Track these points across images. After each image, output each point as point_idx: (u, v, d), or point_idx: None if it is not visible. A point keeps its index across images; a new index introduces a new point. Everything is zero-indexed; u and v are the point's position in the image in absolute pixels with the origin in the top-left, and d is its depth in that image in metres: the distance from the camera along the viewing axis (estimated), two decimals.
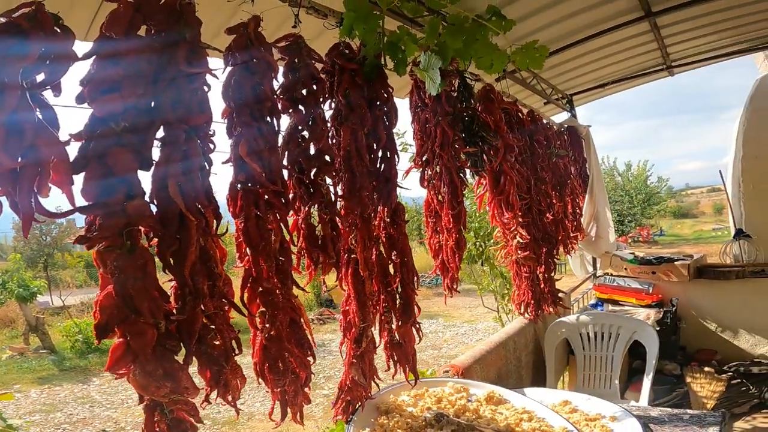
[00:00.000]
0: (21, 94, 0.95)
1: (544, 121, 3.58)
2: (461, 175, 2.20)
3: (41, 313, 10.93)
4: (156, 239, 1.05)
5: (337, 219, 1.54)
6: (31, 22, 0.99)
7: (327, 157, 1.58)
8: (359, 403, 1.92)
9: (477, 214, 5.10)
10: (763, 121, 4.64)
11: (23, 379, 8.41)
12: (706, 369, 3.75)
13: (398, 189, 1.86)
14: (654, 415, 2.06)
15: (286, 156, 1.50)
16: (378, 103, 1.85)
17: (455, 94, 2.38)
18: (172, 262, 1.05)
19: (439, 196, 2.14)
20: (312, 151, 1.57)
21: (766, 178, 4.52)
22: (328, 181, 1.56)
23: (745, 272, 4.26)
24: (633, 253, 4.82)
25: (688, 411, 2.10)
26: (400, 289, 1.93)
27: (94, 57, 1.07)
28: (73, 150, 1.01)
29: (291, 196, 1.50)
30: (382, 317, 1.93)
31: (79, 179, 0.99)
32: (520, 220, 2.81)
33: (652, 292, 4.35)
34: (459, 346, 9.18)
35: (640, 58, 4.08)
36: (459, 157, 2.24)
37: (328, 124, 1.72)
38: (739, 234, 4.61)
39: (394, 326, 1.96)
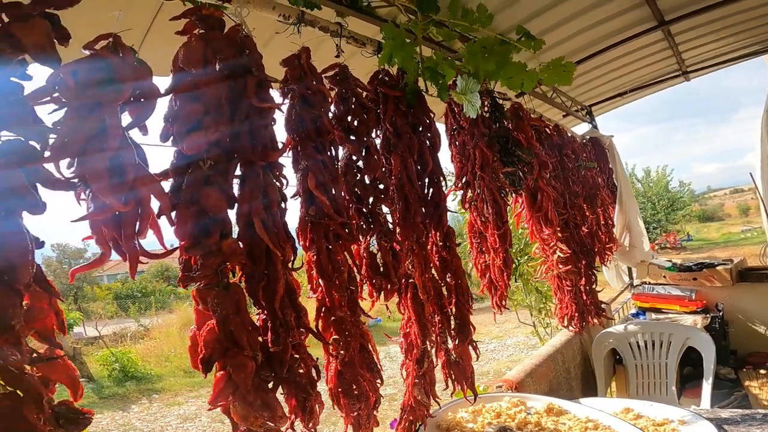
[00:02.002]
0: (123, 134, 0.97)
1: (569, 134, 3.58)
2: (502, 195, 2.22)
3: (76, 343, 11.18)
4: (244, 275, 1.10)
5: (396, 246, 1.57)
6: (116, 55, 1.00)
7: (381, 186, 1.63)
8: (420, 423, 1.91)
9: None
10: None
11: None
12: (762, 371, 3.57)
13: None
14: (725, 416, 1.97)
15: (343, 187, 1.55)
16: (421, 128, 1.90)
17: (488, 115, 2.43)
18: (261, 296, 1.09)
19: (482, 217, 2.16)
20: (367, 180, 1.62)
21: None
22: (384, 209, 1.60)
23: None
24: (670, 261, 4.69)
25: (760, 411, 2.00)
26: (455, 310, 1.93)
27: (172, 93, 1.10)
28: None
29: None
30: (438, 337, 1.93)
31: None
32: (560, 235, 2.79)
33: (695, 298, 4.21)
34: (490, 362, 8.99)
35: (656, 65, 4.09)
36: (499, 178, 2.26)
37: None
38: None
39: (450, 346, 1.96)
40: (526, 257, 4.93)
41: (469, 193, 2.26)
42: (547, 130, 3.07)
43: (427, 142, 1.92)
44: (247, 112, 1.18)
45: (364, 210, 1.55)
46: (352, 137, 1.62)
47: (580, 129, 4.66)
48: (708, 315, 4.01)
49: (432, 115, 1.97)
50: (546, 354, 2.87)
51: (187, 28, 1.20)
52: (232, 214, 1.12)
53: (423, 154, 1.85)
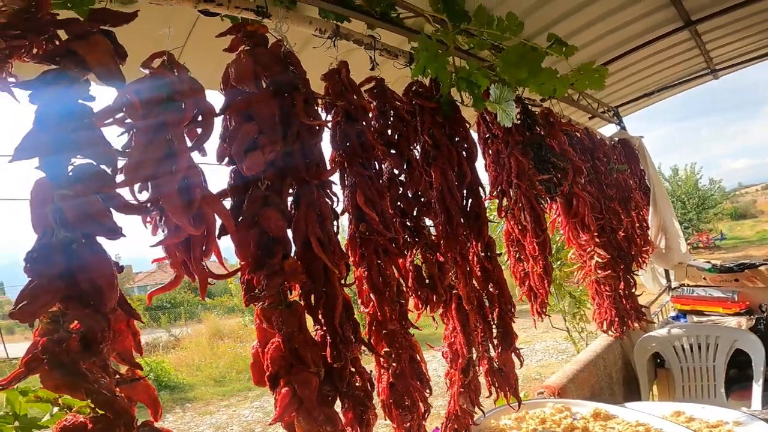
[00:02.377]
0: (190, 156, 0.97)
1: (598, 137, 3.53)
2: (539, 202, 2.20)
3: None
4: (303, 293, 1.12)
5: (440, 258, 1.58)
6: (172, 73, 0.98)
7: (424, 199, 1.64)
8: (464, 430, 1.90)
9: None
10: None
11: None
12: None
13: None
14: None
15: (387, 201, 1.57)
16: (458, 139, 1.91)
17: (519, 122, 2.42)
18: (320, 313, 1.11)
19: (519, 225, 2.14)
20: (410, 194, 1.63)
21: None
22: (428, 222, 1.61)
23: None
24: (709, 262, 4.54)
25: None
26: (497, 319, 1.93)
27: (227, 111, 1.11)
28: None
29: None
30: (481, 346, 1.93)
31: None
32: (597, 240, 2.75)
33: (738, 299, 4.05)
34: (519, 367, 8.81)
35: (683, 65, 4.00)
36: (535, 185, 2.25)
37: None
38: None
39: (493, 354, 1.95)
40: (559, 262, 4.85)
41: (505, 202, 2.25)
42: (578, 134, 3.03)
43: (464, 152, 1.93)
44: (298, 130, 1.20)
45: (408, 223, 1.56)
46: (393, 151, 1.65)
47: (607, 131, 4.58)
48: (753, 316, 3.85)
49: (468, 125, 1.98)
50: (587, 359, 2.82)
51: (234, 44, 1.21)
52: (288, 232, 1.15)
53: (461, 165, 1.86)
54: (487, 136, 2.36)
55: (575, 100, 3.80)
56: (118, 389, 0.86)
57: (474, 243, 1.81)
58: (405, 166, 1.65)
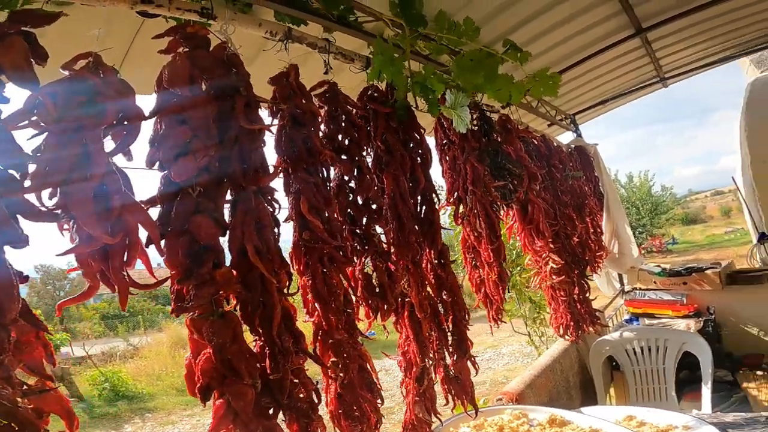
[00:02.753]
0: (107, 160, 0.92)
1: (555, 144, 3.62)
2: (495, 209, 2.22)
3: (64, 363, 10.93)
4: (239, 303, 1.06)
5: (391, 266, 1.55)
6: (97, 75, 0.94)
7: (375, 206, 1.61)
8: None
9: None
10: (761, 124, 4.65)
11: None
12: (759, 373, 3.58)
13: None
14: (728, 420, 1.97)
15: (336, 208, 1.53)
16: (412, 145, 1.89)
17: (476, 128, 2.44)
18: (257, 324, 1.05)
19: (474, 232, 2.15)
20: (360, 201, 1.60)
21: None
22: (378, 229, 1.58)
23: None
24: (659, 266, 4.73)
25: (763, 413, 2.00)
26: (452, 327, 1.91)
27: (157, 115, 1.05)
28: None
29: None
30: (436, 354, 1.91)
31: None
32: (552, 246, 2.79)
33: (687, 302, 4.23)
34: (486, 372, 8.93)
35: (635, 72, 4.17)
36: (490, 192, 2.26)
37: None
38: (763, 237, 4.52)
39: (449, 362, 1.94)
40: (518, 268, 4.93)
41: (461, 208, 2.25)
42: (535, 141, 3.09)
43: (419, 158, 1.91)
44: (237, 135, 1.15)
45: (357, 231, 1.52)
46: (344, 157, 1.61)
47: (565, 138, 4.72)
48: (701, 318, 4.02)
49: (423, 131, 1.97)
50: (545, 364, 2.85)
51: (171, 46, 1.16)
52: (224, 240, 1.09)
53: (415, 171, 1.84)
54: (444, 142, 2.36)
55: (534, 107, 3.89)
56: (26, 400, 0.79)
57: (427, 250, 1.79)
58: (355, 172, 1.61)
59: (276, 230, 1.18)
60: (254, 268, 1.05)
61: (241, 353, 0.96)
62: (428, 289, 1.84)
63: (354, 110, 1.72)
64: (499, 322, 2.24)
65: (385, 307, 1.51)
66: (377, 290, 1.51)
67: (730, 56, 4.38)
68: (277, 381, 1.03)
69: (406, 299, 1.65)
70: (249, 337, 1.08)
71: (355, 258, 1.48)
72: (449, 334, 1.92)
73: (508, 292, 5.22)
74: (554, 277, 2.81)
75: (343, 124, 1.65)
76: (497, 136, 2.64)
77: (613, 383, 3.44)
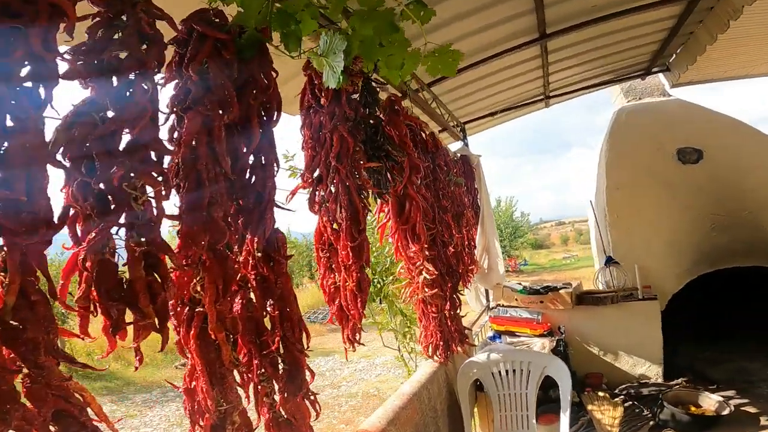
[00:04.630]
0: None
1: (443, 145, 3.26)
2: (363, 196, 1.65)
3: None
4: None
5: (164, 252, 0.85)
6: None
7: (152, 154, 0.90)
8: None
9: (374, 247, 4.59)
10: (620, 152, 5.00)
11: None
12: (601, 394, 3.63)
13: (280, 213, 1.23)
14: None
15: (61, 148, 0.79)
16: (255, 91, 1.24)
17: (357, 97, 1.88)
18: None
19: (335, 224, 1.55)
20: (123, 141, 0.88)
21: (627, 207, 4.81)
22: (150, 191, 0.88)
23: (617, 297, 4.37)
24: (521, 283, 4.72)
25: None
26: (282, 351, 1.27)
27: None
28: None
29: (70, 212, 0.79)
30: (259, 387, 1.26)
31: None
32: (427, 253, 2.34)
33: (542, 320, 4.23)
34: (359, 383, 8.50)
35: (527, 85, 4.12)
36: (360, 174, 1.69)
37: (166, 109, 1.07)
38: (609, 261, 4.78)
39: (278, 399, 1.29)
40: (391, 277, 4.50)
41: (321, 192, 1.64)
42: (423, 133, 2.64)
43: (262, 109, 1.26)
44: None
45: (99, 186, 0.80)
46: (109, 74, 0.88)
47: (453, 148, 4.48)
48: (553, 338, 4.03)
49: (274, 75, 1.32)
50: (411, 393, 2.36)
51: None
52: None
53: (250, 123, 1.18)
54: (311, 105, 1.74)
55: (430, 106, 3.51)
56: None
57: (250, 237, 1.13)
58: (123, 97, 0.89)
59: None
60: None
61: None
62: (252, 296, 1.19)
63: (147, 18, 1.01)
64: (355, 344, 1.66)
65: (139, 318, 0.80)
66: (123, 290, 0.80)
67: (606, 81, 4.58)
68: None
69: (198, 309, 0.96)
70: None
71: (80, 228, 0.76)
72: (281, 361, 1.28)
73: (380, 303, 4.76)
74: (427, 289, 2.35)
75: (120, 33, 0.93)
76: (381, 114, 2.12)
77: (477, 404, 3.15)
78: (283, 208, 1.19)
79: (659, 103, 5.32)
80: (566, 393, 2.56)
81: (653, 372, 4.15)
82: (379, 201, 2.15)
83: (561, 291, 4.45)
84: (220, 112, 1.09)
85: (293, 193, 1.75)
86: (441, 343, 2.59)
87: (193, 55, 1.12)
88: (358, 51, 1.78)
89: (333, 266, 1.59)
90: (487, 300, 5.06)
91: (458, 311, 2.86)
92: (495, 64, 3.25)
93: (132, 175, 0.84)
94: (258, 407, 1.31)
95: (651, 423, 3.33)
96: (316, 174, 1.66)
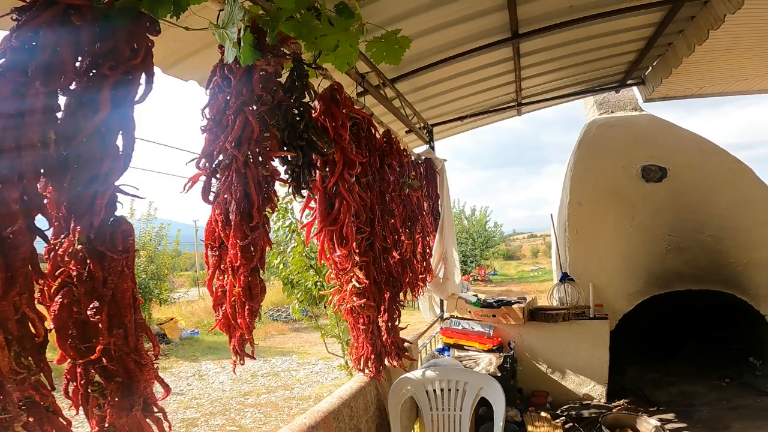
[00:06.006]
0: None
1: (401, 145, 3.04)
2: (267, 188, 1.41)
3: None
4: None
5: None
6: None
7: None
8: None
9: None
10: (587, 166, 4.89)
11: None
12: (543, 414, 3.49)
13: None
14: None
15: None
16: (113, 62, 1.00)
17: (285, 81, 1.65)
18: None
19: (223, 217, 1.31)
20: None
21: (587, 224, 4.71)
22: None
23: (569, 315, 4.26)
24: (476, 296, 4.56)
25: None
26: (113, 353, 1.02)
27: None
28: None
29: None
30: (89, 398, 1.02)
31: None
32: (357, 259, 2.12)
33: (493, 335, 4.07)
34: (313, 385, 8.21)
35: (499, 90, 3.96)
36: (267, 164, 1.46)
37: None
38: (564, 278, 4.67)
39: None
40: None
41: (216, 181, 1.40)
42: (372, 129, 2.42)
43: (121, 82, 1.02)
44: None
45: None
46: None
47: (420, 150, 4.28)
48: (502, 354, 3.87)
49: (148, 45, 1.09)
50: (327, 409, 2.13)
51: None
52: None
53: (99, 93, 0.95)
54: (219, 83, 1.50)
55: (395, 107, 3.31)
56: None
57: (73, 225, 0.88)
58: None
59: None
60: None
61: None
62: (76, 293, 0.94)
63: None
64: (242, 359, 1.41)
65: None
66: None
67: (580, 92, 4.45)
68: None
69: None
70: None
71: None
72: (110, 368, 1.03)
73: (324, 308, 4.51)
74: (355, 298, 2.13)
75: None
76: (317, 103, 1.90)
77: (418, 422, 2.95)
78: (124, 193, 0.94)
79: (630, 118, 5.22)
80: (499, 418, 2.37)
81: (597, 392, 4.05)
82: (306, 196, 1.92)
83: (514, 306, 4.31)
84: (43, 80, 0.85)
85: (193, 180, 1.51)
86: (372, 356, 2.37)
87: (27, 20, 0.88)
88: (284, 28, 1.56)
89: (222, 267, 1.35)
90: (442, 310, 4.88)
91: (397, 323, 2.65)
92: (465, 64, 3.07)
93: None
94: (88, 418, 1.08)
95: None
96: (216, 163, 1.42)
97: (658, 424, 3.24)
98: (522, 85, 3.89)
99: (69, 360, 0.98)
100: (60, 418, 0.96)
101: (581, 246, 4.70)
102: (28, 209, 0.79)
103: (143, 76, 1.01)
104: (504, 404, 2.40)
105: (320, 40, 1.62)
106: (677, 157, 4.74)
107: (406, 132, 4.06)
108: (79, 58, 0.95)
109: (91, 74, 0.92)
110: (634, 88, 4.80)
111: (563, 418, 3.54)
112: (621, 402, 3.94)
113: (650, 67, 4.21)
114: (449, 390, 2.56)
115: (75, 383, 1.00)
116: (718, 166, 4.66)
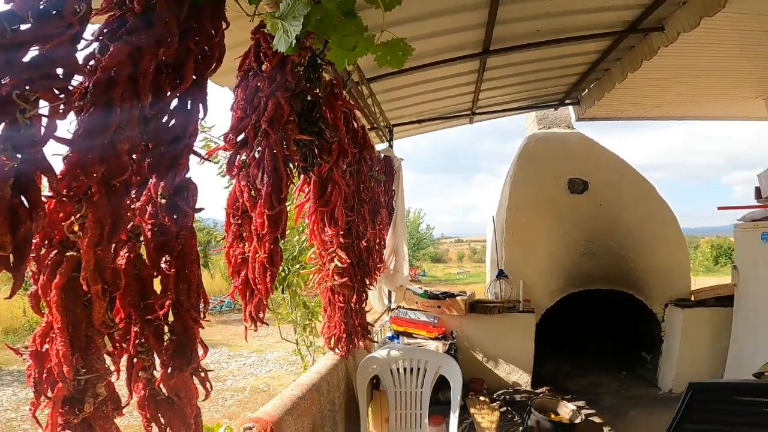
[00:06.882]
0: None
1: (370, 141, 3.24)
2: (290, 166, 1.54)
3: None
4: None
5: (45, 172, 0.68)
6: None
7: (59, 71, 0.72)
8: None
9: None
10: (525, 175, 5.45)
11: None
12: (482, 398, 3.86)
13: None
14: None
15: None
16: (197, 37, 1.10)
17: (301, 70, 1.77)
18: None
19: (252, 190, 1.42)
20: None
21: (522, 227, 5.24)
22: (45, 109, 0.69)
23: (503, 308, 4.73)
24: (423, 287, 4.89)
25: None
26: (172, 318, 1.11)
27: None
28: None
29: None
30: (135, 359, 1.08)
31: None
32: (342, 240, 2.28)
33: (438, 324, 4.41)
34: (248, 377, 8.00)
35: (459, 98, 4.25)
36: (289, 145, 1.58)
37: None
38: (500, 274, 5.17)
39: (158, 374, 1.12)
40: (298, 266, 4.33)
41: (243, 156, 1.49)
42: (356, 124, 2.59)
43: (201, 56, 1.11)
44: None
45: None
46: None
47: (379, 148, 4.49)
48: (446, 342, 4.22)
49: (224, 26, 1.19)
50: (310, 383, 2.26)
51: None
52: None
53: (185, 65, 1.03)
54: (251, 67, 1.59)
55: (366, 102, 3.46)
56: None
57: (154, 181, 0.97)
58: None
59: None
60: None
61: None
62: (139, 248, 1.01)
63: None
64: (257, 324, 1.52)
65: None
66: None
67: (525, 107, 4.90)
68: None
69: (68, 254, 0.79)
70: None
71: None
72: (167, 329, 1.11)
73: (282, 292, 4.55)
74: (336, 277, 2.29)
75: None
76: (320, 92, 2.04)
77: (372, 403, 3.14)
78: (200, 156, 1.04)
79: (563, 134, 5.84)
80: (457, 393, 2.66)
81: (524, 380, 4.56)
82: (301, 178, 2.04)
83: (457, 298, 4.70)
84: (155, 48, 0.93)
85: (211, 153, 1.59)
86: (344, 335, 2.53)
87: None
88: (313, 26, 1.69)
89: (244, 235, 1.45)
90: (389, 301, 5.15)
91: (364, 305, 2.84)
92: (435, 71, 3.30)
93: (27, 88, 0.66)
94: (131, 383, 1.12)
95: (521, 428, 3.62)
96: (241, 137, 1.52)
97: (575, 408, 3.76)
98: (479, 96, 4.24)
99: (122, 320, 1.03)
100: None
101: (516, 247, 5.22)
102: (132, 162, 0.87)
103: (217, 53, 1.11)
104: (461, 380, 2.69)
105: (343, 39, 1.77)
106: (598, 173, 5.43)
107: (369, 129, 4.26)
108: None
109: (180, 46, 1.00)
110: (570, 107, 5.38)
111: (499, 402, 3.95)
112: (543, 389, 4.46)
113: (587, 89, 4.70)
114: (411, 369, 2.80)
115: (125, 345, 1.05)
116: (630, 184, 5.43)
